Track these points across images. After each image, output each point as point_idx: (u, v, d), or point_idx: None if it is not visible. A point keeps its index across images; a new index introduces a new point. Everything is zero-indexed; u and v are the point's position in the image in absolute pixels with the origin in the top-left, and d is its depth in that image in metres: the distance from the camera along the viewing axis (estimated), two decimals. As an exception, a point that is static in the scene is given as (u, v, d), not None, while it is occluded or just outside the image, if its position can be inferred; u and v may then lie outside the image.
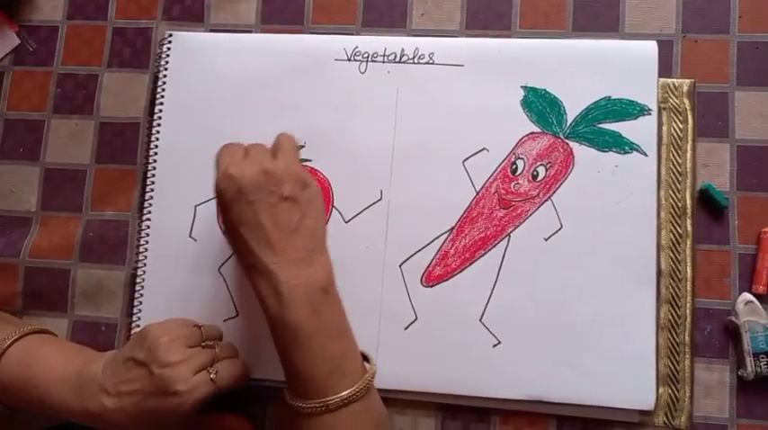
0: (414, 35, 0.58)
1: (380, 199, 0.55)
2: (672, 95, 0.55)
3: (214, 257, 0.56)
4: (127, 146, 0.59)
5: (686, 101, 0.55)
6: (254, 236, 0.45)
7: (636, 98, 0.54)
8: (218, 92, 0.58)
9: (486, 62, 0.56)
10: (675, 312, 0.53)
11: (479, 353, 0.53)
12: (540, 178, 0.54)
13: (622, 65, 0.55)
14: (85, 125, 0.60)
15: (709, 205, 0.54)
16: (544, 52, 0.56)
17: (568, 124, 0.55)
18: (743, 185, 0.54)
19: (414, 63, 0.57)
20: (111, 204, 0.59)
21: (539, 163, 0.55)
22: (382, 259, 0.55)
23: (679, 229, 0.54)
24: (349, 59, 0.57)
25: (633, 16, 0.57)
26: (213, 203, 0.56)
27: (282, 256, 0.45)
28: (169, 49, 0.59)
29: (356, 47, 0.57)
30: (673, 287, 0.53)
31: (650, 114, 0.54)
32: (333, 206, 0.56)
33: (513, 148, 0.55)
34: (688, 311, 0.53)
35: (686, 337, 0.53)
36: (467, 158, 0.55)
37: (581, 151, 0.54)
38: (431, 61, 0.56)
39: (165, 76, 0.59)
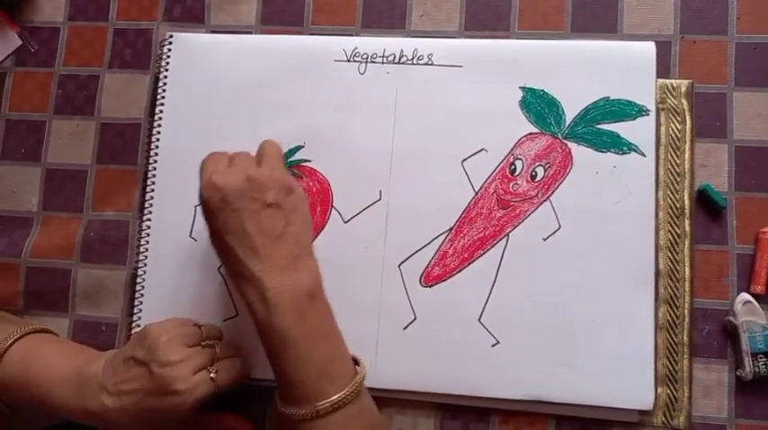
0: (413, 36, 0.59)
1: (379, 199, 0.56)
2: (670, 96, 0.55)
3: (214, 257, 0.56)
4: (127, 146, 0.60)
5: (684, 101, 0.55)
6: (239, 243, 0.45)
7: (634, 99, 0.54)
8: (218, 92, 0.58)
9: (485, 63, 0.56)
10: (674, 312, 0.53)
11: (478, 353, 0.53)
12: (538, 178, 0.55)
13: (621, 65, 0.55)
14: (86, 126, 0.60)
15: (707, 205, 0.54)
16: (543, 53, 0.56)
17: (567, 125, 0.55)
18: (741, 186, 0.54)
19: (413, 64, 0.57)
20: (112, 204, 0.59)
21: (537, 163, 0.55)
22: (381, 259, 0.55)
23: (677, 230, 0.54)
24: (348, 60, 0.57)
25: (631, 17, 0.57)
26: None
27: (268, 263, 0.45)
28: (170, 50, 0.59)
29: (356, 48, 0.57)
30: (671, 287, 0.53)
31: (648, 115, 0.54)
32: (332, 206, 0.56)
33: (512, 149, 0.55)
34: (686, 311, 0.53)
35: (685, 337, 0.53)
36: (466, 159, 0.55)
37: (579, 152, 0.54)
38: (430, 62, 0.57)
39: (165, 76, 0.59)
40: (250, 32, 0.60)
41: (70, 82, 0.61)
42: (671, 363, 0.53)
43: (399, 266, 0.55)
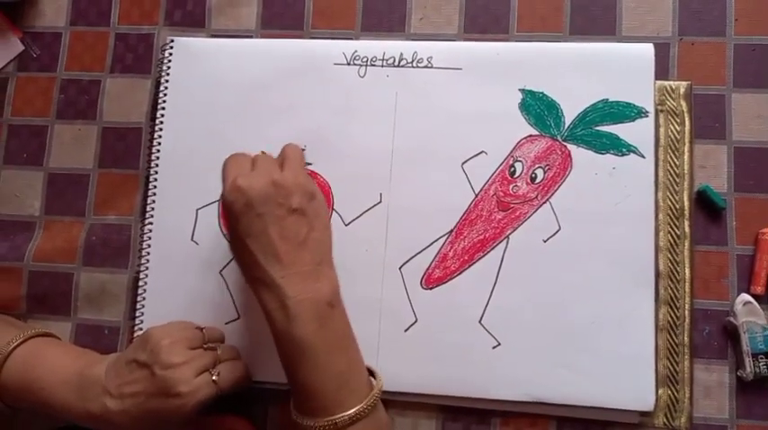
0: (412, 39, 0.59)
1: (380, 202, 0.56)
2: (669, 98, 0.55)
3: (216, 260, 0.57)
4: (129, 150, 0.60)
5: (683, 103, 0.55)
6: (261, 248, 0.45)
7: (633, 100, 0.55)
8: (219, 96, 0.59)
9: (485, 65, 0.56)
10: (674, 313, 0.53)
11: (479, 355, 0.53)
12: (538, 180, 0.55)
13: (619, 67, 0.55)
14: (88, 130, 0.61)
15: (706, 206, 0.54)
16: (542, 55, 0.56)
17: (566, 127, 0.55)
18: (740, 187, 0.54)
19: (412, 67, 0.57)
20: (114, 208, 0.60)
21: (537, 165, 0.55)
22: (382, 261, 0.55)
23: (677, 231, 0.54)
24: (348, 63, 0.58)
25: (630, 19, 0.57)
26: (215, 207, 0.57)
27: (290, 270, 0.44)
28: (171, 54, 0.60)
29: (355, 51, 0.58)
30: (671, 288, 0.54)
31: (647, 116, 0.54)
32: (333, 209, 0.56)
33: (512, 151, 0.55)
34: (687, 312, 0.53)
35: (685, 338, 0.53)
36: (465, 161, 0.56)
37: (579, 153, 0.55)
38: (429, 65, 0.57)
39: (166, 81, 0.59)
40: (250, 36, 0.61)
41: (72, 86, 0.61)
42: (672, 364, 0.53)
43: (400, 269, 0.55)
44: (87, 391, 0.48)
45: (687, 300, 0.53)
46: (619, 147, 0.54)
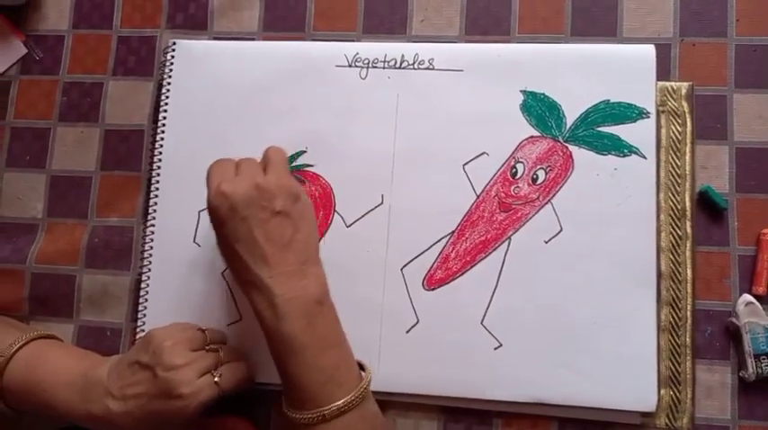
0: (414, 41, 0.59)
1: (381, 203, 0.56)
2: (670, 98, 0.55)
3: (218, 262, 0.57)
4: (131, 153, 0.60)
5: (685, 104, 0.55)
6: (248, 251, 0.45)
7: (634, 101, 0.55)
8: (221, 99, 0.59)
9: (486, 67, 0.56)
10: (676, 314, 0.53)
11: (481, 356, 0.53)
12: (539, 181, 0.55)
13: (621, 68, 0.55)
14: (91, 132, 0.61)
15: (708, 207, 0.54)
16: (543, 57, 0.56)
17: (567, 128, 0.55)
18: (742, 187, 0.54)
19: (414, 69, 0.57)
20: (116, 210, 0.60)
21: (538, 166, 0.55)
22: (384, 263, 0.55)
23: (679, 231, 0.54)
24: (350, 65, 0.58)
25: (631, 20, 0.57)
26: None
27: (276, 270, 0.45)
28: (173, 56, 0.60)
29: (357, 53, 0.58)
30: (673, 289, 0.54)
31: (649, 117, 0.54)
32: (335, 211, 0.56)
33: (513, 152, 0.55)
34: (688, 313, 0.53)
35: (687, 339, 0.53)
36: (467, 162, 0.56)
37: (580, 154, 0.55)
38: (431, 67, 0.57)
39: (168, 83, 0.59)
40: (252, 39, 0.61)
41: (75, 89, 0.62)
42: (673, 365, 0.53)
43: (402, 270, 0.55)
44: (90, 393, 0.48)
45: (689, 300, 0.53)
46: (620, 147, 0.54)
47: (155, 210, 0.58)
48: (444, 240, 0.55)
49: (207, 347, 0.50)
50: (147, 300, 0.57)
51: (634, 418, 0.52)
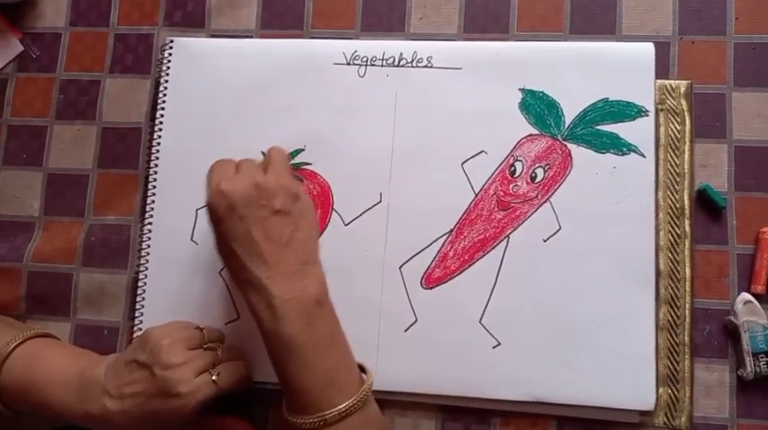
0: (412, 39, 0.59)
1: (380, 201, 0.56)
2: (669, 97, 0.55)
3: (215, 261, 0.56)
4: (128, 151, 0.60)
5: (683, 102, 0.55)
6: (246, 251, 0.45)
7: (633, 100, 0.54)
8: (218, 96, 0.59)
9: (484, 65, 0.56)
10: (675, 312, 0.53)
11: (479, 355, 0.53)
12: (538, 180, 0.55)
13: (619, 67, 0.55)
14: (88, 130, 0.61)
15: (707, 206, 0.54)
16: (542, 55, 0.56)
17: (566, 126, 0.55)
18: (741, 186, 0.54)
19: (412, 66, 0.57)
20: (113, 209, 0.60)
21: (537, 165, 0.55)
22: (382, 261, 0.55)
23: (677, 230, 0.54)
24: (348, 63, 0.58)
25: (630, 18, 0.57)
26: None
27: (275, 270, 0.45)
28: (170, 54, 0.60)
29: (355, 51, 0.58)
30: (672, 287, 0.54)
31: (648, 116, 0.54)
32: (333, 209, 0.56)
33: (512, 150, 0.55)
34: (687, 312, 0.53)
35: (686, 338, 0.53)
36: (465, 161, 0.56)
37: (579, 153, 0.55)
38: (429, 64, 0.57)
39: (166, 81, 0.59)
40: (250, 37, 0.61)
41: (71, 87, 0.61)
42: (672, 364, 0.53)
43: (400, 268, 0.55)
44: (87, 392, 0.48)
45: (687, 299, 0.53)
46: (619, 146, 0.54)
47: (152, 209, 0.58)
48: (443, 239, 0.55)
49: (205, 346, 0.50)
50: (144, 298, 0.57)
51: (633, 417, 0.52)
